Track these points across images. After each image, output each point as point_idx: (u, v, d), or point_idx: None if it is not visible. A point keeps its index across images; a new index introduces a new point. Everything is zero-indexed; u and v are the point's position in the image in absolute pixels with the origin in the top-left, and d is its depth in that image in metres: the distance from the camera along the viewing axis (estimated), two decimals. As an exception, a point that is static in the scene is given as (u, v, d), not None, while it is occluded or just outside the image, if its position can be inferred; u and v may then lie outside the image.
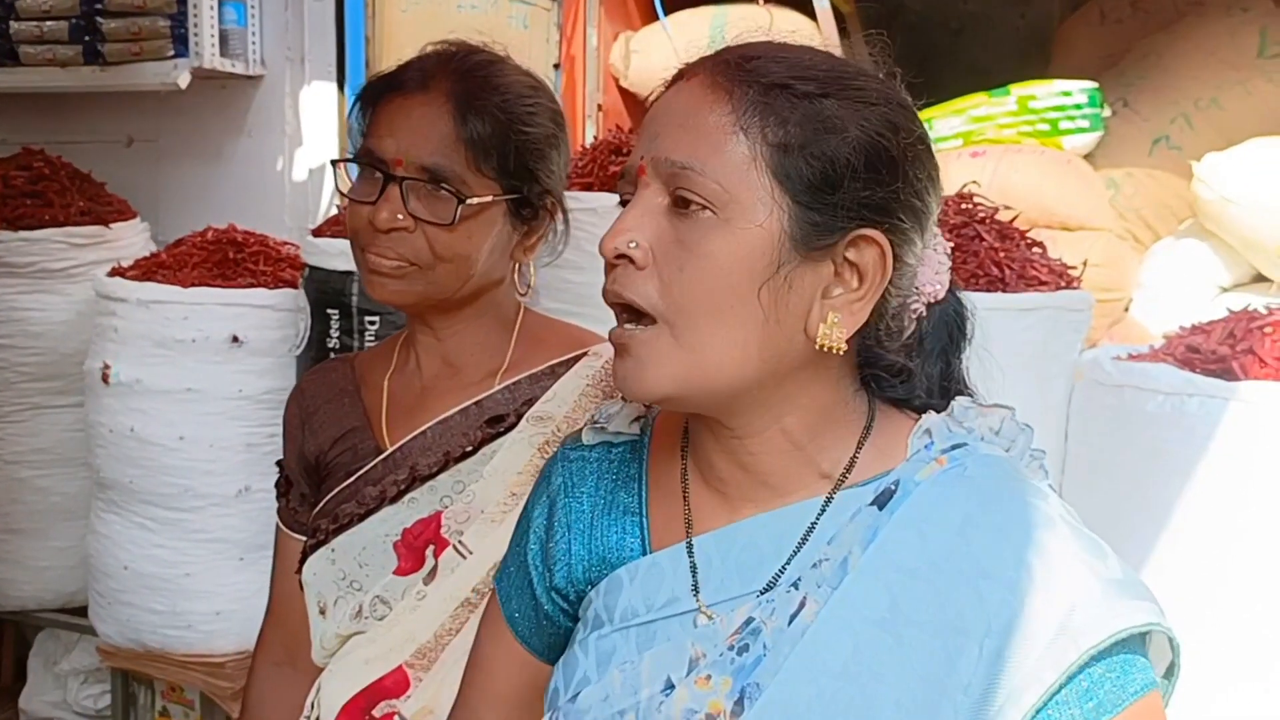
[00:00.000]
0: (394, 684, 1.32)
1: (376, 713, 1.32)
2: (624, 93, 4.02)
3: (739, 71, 0.88)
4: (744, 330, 0.87)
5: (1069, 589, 0.84)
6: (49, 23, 3.06)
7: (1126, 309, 3.27)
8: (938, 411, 0.96)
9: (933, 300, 0.95)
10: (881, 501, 0.90)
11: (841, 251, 0.88)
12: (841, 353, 0.89)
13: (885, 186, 0.88)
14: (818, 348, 0.88)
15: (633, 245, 0.88)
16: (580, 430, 1.08)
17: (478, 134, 1.29)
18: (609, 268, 0.91)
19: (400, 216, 1.28)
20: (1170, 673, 0.90)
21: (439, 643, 1.31)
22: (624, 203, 0.93)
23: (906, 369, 0.95)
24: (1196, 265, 3.20)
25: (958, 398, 0.96)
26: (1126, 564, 0.88)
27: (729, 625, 0.91)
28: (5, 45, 3.11)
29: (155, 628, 2.63)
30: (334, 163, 1.41)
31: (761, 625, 0.89)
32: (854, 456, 0.94)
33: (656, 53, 3.88)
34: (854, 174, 0.87)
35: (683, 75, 0.92)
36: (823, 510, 0.92)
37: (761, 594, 0.91)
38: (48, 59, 3.08)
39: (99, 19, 3.01)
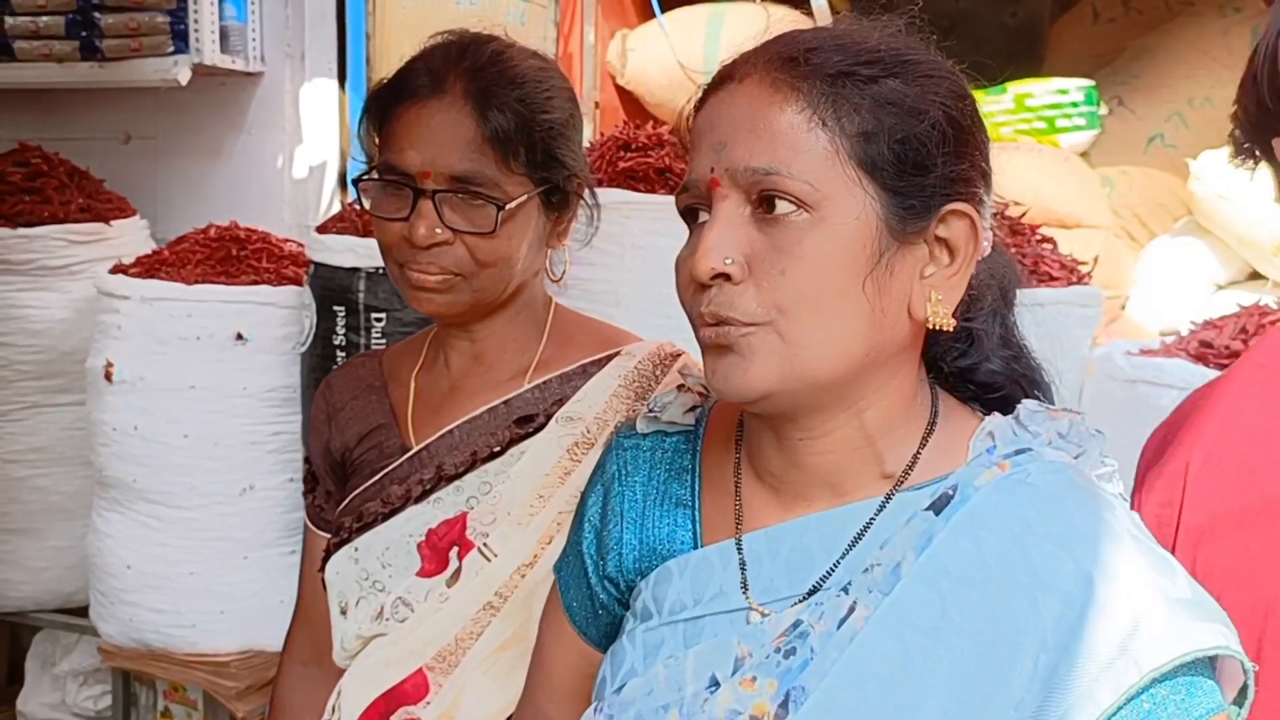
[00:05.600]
0: (413, 688, 1.30)
1: (394, 719, 1.30)
2: (620, 90, 4.01)
3: (801, 66, 0.86)
4: (852, 323, 0.86)
5: (1132, 607, 0.81)
6: (44, 18, 3.03)
7: (1123, 307, 3.29)
8: (1008, 385, 0.95)
9: (981, 257, 0.93)
10: (938, 507, 0.88)
11: (933, 230, 0.88)
12: (952, 328, 0.88)
13: (967, 158, 0.88)
14: (930, 327, 0.88)
15: (728, 261, 0.85)
16: (635, 419, 1.07)
17: (502, 131, 1.24)
18: (697, 288, 0.87)
19: (439, 230, 1.24)
20: (1242, 698, 0.87)
21: (459, 646, 1.29)
22: (687, 212, 0.91)
23: (970, 333, 0.95)
24: (1192, 263, 3.22)
25: (1024, 401, 0.94)
26: (1196, 583, 0.85)
27: (776, 626, 0.90)
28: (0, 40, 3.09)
29: (158, 627, 2.61)
30: (355, 183, 1.34)
31: (809, 629, 0.88)
32: (916, 455, 0.92)
33: (653, 50, 3.87)
34: (942, 151, 0.86)
35: (731, 77, 0.89)
36: (878, 513, 0.91)
37: (809, 596, 0.90)
38: (44, 54, 3.05)
39: (96, 14, 2.98)
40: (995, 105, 3.46)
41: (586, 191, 1.37)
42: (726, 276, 0.86)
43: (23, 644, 3.17)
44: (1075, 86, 3.47)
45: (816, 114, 0.85)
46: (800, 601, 0.90)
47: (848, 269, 0.85)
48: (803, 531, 0.93)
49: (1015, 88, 3.48)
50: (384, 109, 1.30)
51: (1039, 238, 2.13)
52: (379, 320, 2.37)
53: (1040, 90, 3.46)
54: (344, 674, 1.36)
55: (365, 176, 1.32)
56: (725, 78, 0.90)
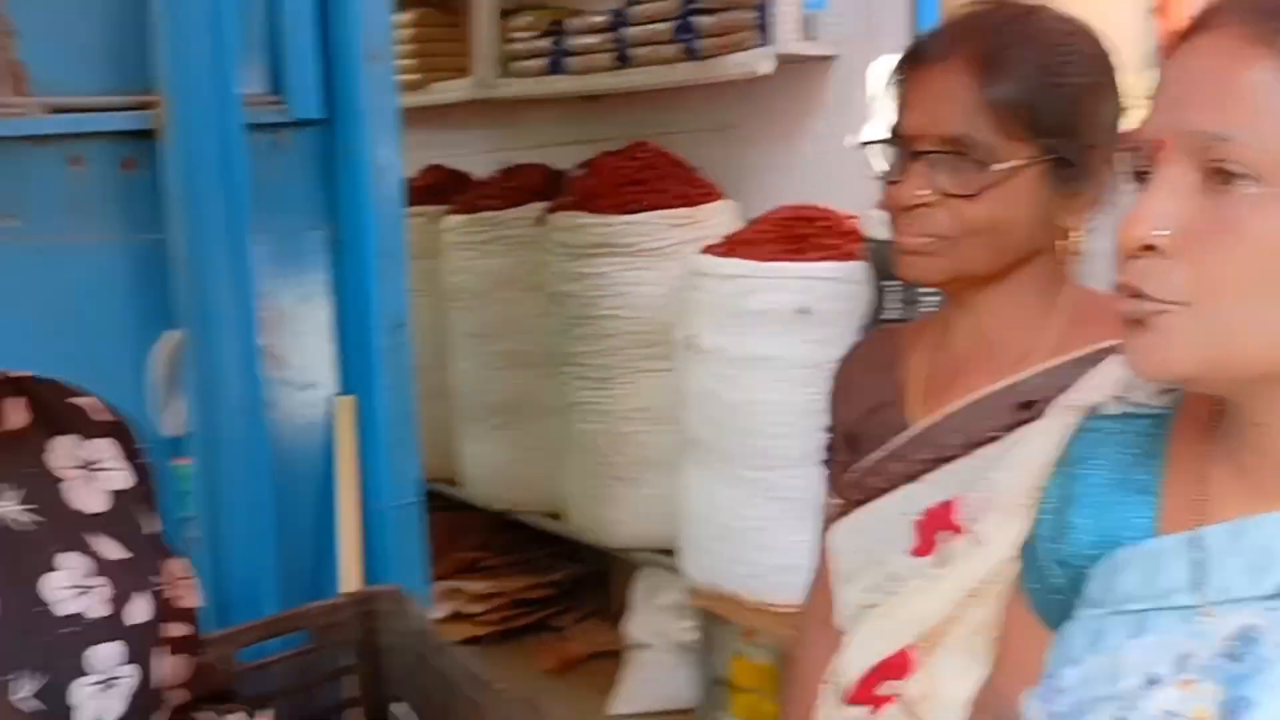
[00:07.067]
0: (900, 663, 1.33)
1: (880, 691, 1.33)
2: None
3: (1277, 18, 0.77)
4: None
5: None
6: (653, 25, 3.43)
7: None
8: None
9: None
10: None
11: None
12: None
13: None
14: None
15: (1157, 233, 0.80)
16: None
17: (1003, 95, 1.21)
18: (1124, 257, 0.83)
19: (919, 192, 1.25)
20: None
21: (943, 628, 1.29)
22: (1136, 175, 0.85)
23: None
24: None
25: None
26: None
27: (1226, 628, 0.82)
28: (620, 50, 3.54)
29: (732, 575, 2.87)
30: (865, 145, 1.38)
31: (1261, 635, 0.79)
32: None
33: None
34: None
35: (1202, 25, 0.82)
36: None
37: (1269, 598, 0.81)
38: (654, 59, 3.45)
39: (693, 17, 3.30)
40: None
41: (1109, 172, 1.28)
42: (1154, 248, 0.80)
43: (629, 577, 3.63)
44: None
45: None
46: (1256, 604, 0.82)
47: None
48: (1269, 529, 0.83)
49: None
50: (901, 74, 1.33)
51: None
52: (928, 295, 2.38)
53: None
54: (845, 639, 1.42)
55: (875, 140, 1.35)
56: (1197, 26, 0.83)
